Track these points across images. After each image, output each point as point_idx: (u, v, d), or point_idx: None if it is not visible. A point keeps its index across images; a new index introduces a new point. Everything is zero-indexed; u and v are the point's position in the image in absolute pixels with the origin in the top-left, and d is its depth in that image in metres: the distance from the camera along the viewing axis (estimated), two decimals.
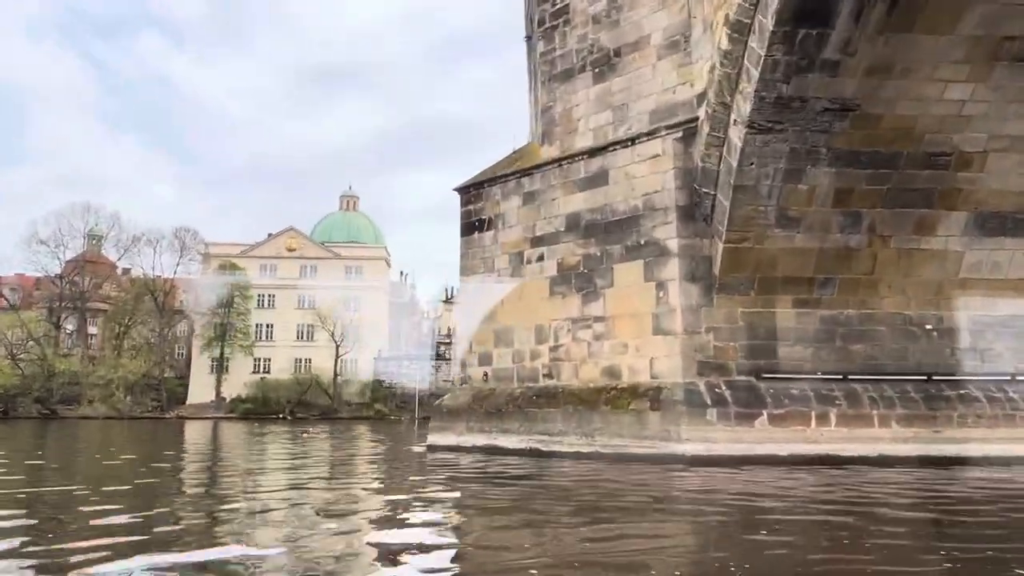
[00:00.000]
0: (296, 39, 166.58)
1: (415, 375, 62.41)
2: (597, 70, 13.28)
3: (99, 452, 16.16)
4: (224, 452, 15.89)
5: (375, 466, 12.29)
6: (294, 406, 58.22)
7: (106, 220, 61.60)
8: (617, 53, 13.01)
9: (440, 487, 8.57)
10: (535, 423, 12.64)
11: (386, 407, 61.05)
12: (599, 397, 11.97)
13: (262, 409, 56.99)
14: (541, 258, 13.52)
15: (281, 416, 55.92)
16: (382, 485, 8.99)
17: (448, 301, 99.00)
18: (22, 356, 56.14)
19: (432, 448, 14.20)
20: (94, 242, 63.66)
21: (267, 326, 63.94)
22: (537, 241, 13.65)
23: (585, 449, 11.76)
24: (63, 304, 60.14)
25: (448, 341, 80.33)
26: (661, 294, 11.71)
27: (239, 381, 60.74)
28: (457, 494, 7.70)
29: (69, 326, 63.25)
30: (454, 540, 5.31)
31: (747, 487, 8.24)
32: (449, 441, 13.89)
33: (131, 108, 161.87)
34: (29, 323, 56.31)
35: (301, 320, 63.34)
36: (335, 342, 60.28)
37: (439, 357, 66.86)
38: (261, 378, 60.63)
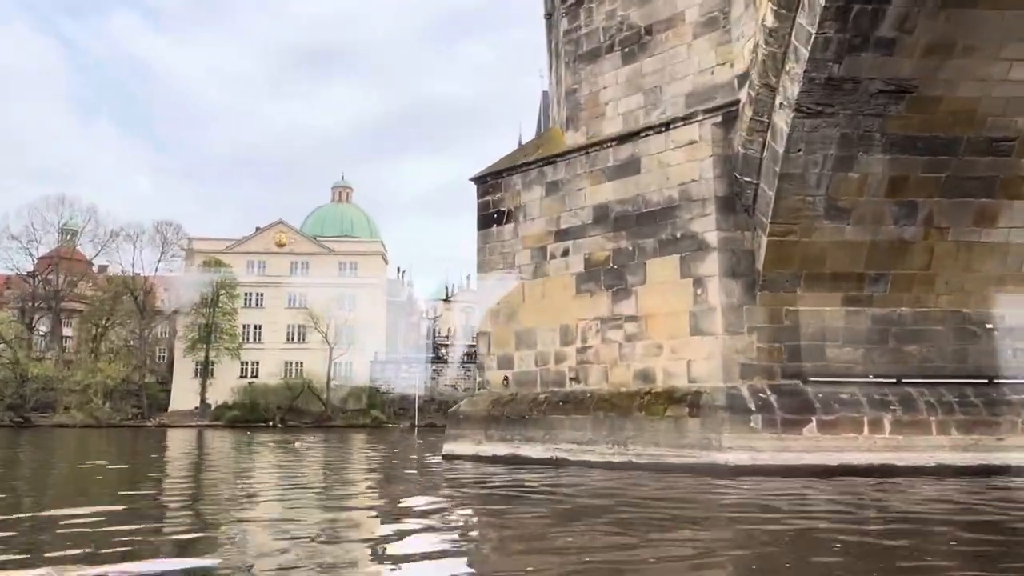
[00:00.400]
0: (279, 18, 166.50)
1: (414, 379, 62.49)
2: (627, 50, 13.26)
3: (72, 464, 16.21)
4: (210, 464, 15.84)
5: (388, 482, 12.23)
6: (285, 413, 58.26)
7: (82, 214, 61.71)
8: (648, 31, 12.98)
9: (468, 504, 8.56)
10: (561, 431, 12.65)
11: (383, 413, 61.14)
12: (632, 403, 11.97)
13: (250, 416, 57.01)
14: (566, 253, 13.51)
15: (271, 424, 56.01)
16: (396, 505, 8.76)
17: (448, 300, 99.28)
18: None
19: (448, 457, 14.22)
20: (68, 237, 63.75)
21: (255, 327, 63.96)
22: (562, 235, 13.64)
23: (617, 459, 11.77)
24: (36, 304, 60.24)
25: (448, 343, 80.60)
26: (699, 291, 11.70)
27: (225, 386, 60.77)
28: (493, 518, 7.53)
29: (42, 327, 63.37)
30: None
31: (800, 502, 8.22)
32: (467, 450, 13.91)
33: (103, 92, 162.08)
34: (0, 324, 56.39)
35: (292, 320, 63.36)
36: (329, 344, 60.28)
37: (439, 360, 67.00)
38: (249, 383, 60.67)
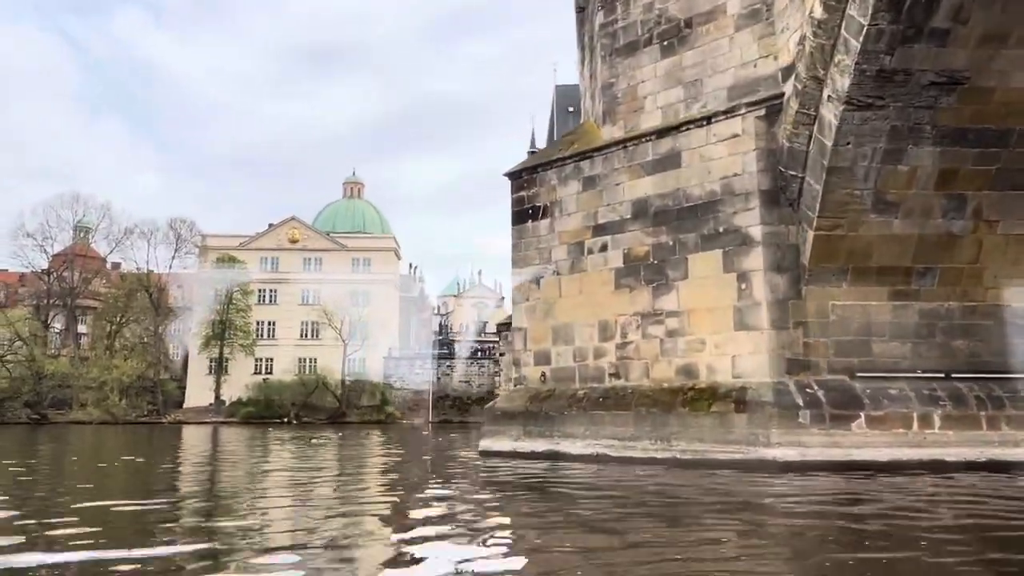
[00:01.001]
0: (281, 17, 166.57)
1: (427, 375, 62.55)
2: (665, 43, 13.18)
3: (93, 462, 16.27)
4: (230, 462, 15.73)
5: (444, 480, 12.17)
6: (299, 409, 58.42)
7: (96, 211, 61.97)
8: (688, 24, 12.89)
9: (525, 506, 8.53)
10: (602, 427, 12.61)
11: (397, 410, 61.25)
12: (675, 398, 11.92)
13: (265, 412, 57.19)
14: (604, 248, 13.46)
15: (285, 420, 56.15)
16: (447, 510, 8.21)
17: (460, 296, 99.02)
18: (8, 358, 56.65)
19: (485, 454, 14.21)
20: (83, 235, 64.06)
21: (269, 323, 64.19)
22: (599, 230, 13.58)
23: (660, 455, 11.72)
24: (51, 301, 60.54)
25: (460, 339, 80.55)
26: (743, 286, 11.64)
27: (239, 383, 61.01)
28: (556, 517, 7.45)
29: (56, 325, 63.76)
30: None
31: (864, 501, 8.16)
32: (504, 446, 13.88)
33: (108, 91, 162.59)
34: (16, 322, 56.73)
35: (305, 317, 63.53)
36: (343, 340, 60.42)
37: (451, 355, 66.99)
38: (263, 379, 60.88)
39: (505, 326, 42.69)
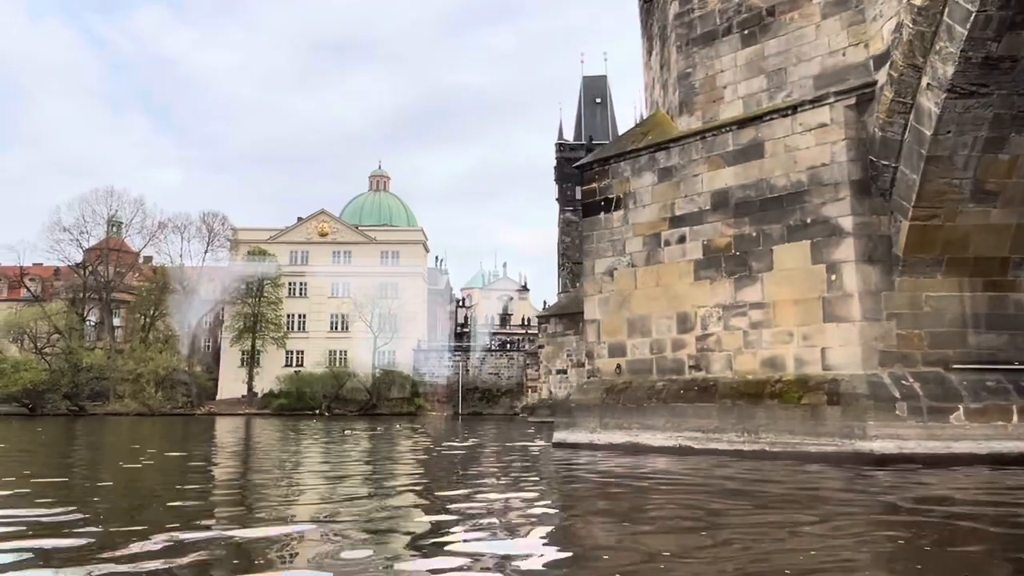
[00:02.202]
0: (300, 11, 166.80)
1: (456, 367, 62.75)
2: (746, 32, 13.02)
3: (145, 451, 16.41)
4: (274, 456, 15.51)
5: (497, 470, 12.04)
6: (330, 401, 58.89)
7: (130, 206, 62.57)
8: (771, 12, 12.73)
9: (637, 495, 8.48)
10: (684, 419, 12.55)
11: (427, 402, 61.56)
12: (762, 390, 11.83)
13: (297, 404, 57.71)
14: (682, 240, 13.36)
15: (317, 412, 56.61)
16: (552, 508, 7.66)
17: (485, 288, 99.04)
18: (46, 350, 57.50)
19: (559, 445, 14.20)
20: (114, 229, 64.74)
21: (299, 316, 64.67)
22: (677, 221, 13.48)
23: (747, 447, 11.65)
24: (87, 295, 61.30)
25: (487, 331, 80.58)
26: (833, 277, 11.50)
27: (271, 375, 61.63)
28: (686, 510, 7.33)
29: (91, 318, 64.57)
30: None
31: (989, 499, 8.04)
32: (579, 438, 13.87)
33: (131, 87, 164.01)
34: (53, 315, 57.53)
35: (335, 310, 63.96)
36: (373, 332, 60.73)
37: (480, 347, 67.12)
38: (295, 371, 61.39)
39: (544, 319, 42.74)
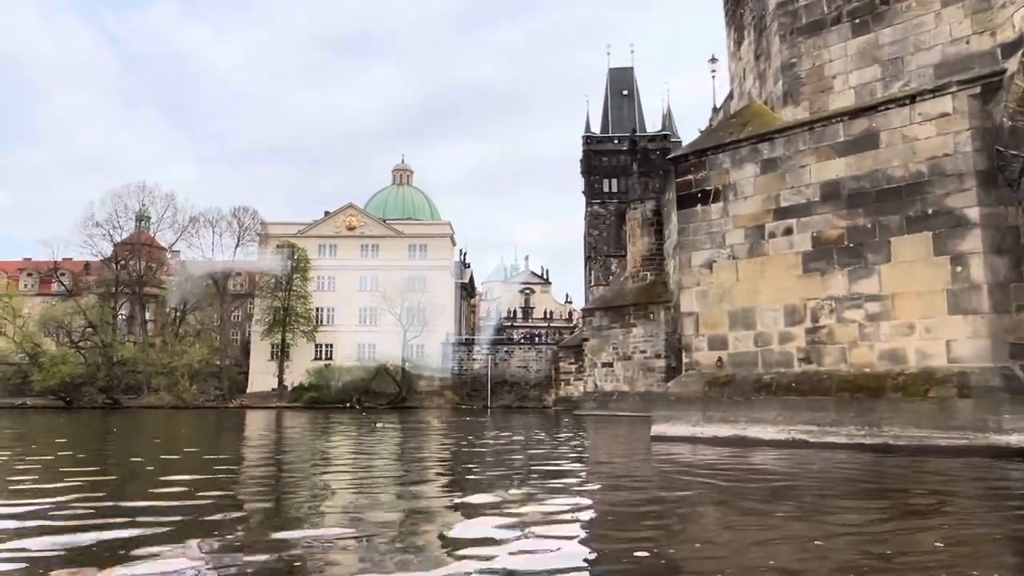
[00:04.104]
0: (313, 6, 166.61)
1: (484, 360, 62.73)
2: (858, 20, 12.80)
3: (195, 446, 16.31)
4: (313, 450, 14.91)
5: (629, 467, 11.77)
6: (361, 394, 58.89)
7: (161, 201, 62.70)
8: (885, 1, 12.50)
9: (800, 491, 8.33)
10: (797, 412, 12.40)
11: (456, 395, 61.54)
12: (884, 384, 11.66)
13: (327, 397, 57.72)
14: (789, 232, 13.18)
15: (348, 405, 56.59)
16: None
17: (507, 281, 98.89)
18: (81, 344, 57.76)
19: (659, 438, 14.07)
20: (143, 224, 64.90)
21: (328, 310, 64.71)
22: (782, 213, 13.29)
23: (868, 440, 11.49)
24: (120, 289, 61.53)
25: (513, 324, 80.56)
26: (958, 269, 11.31)
27: (300, 368, 61.67)
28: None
29: (122, 312, 64.82)
30: None
31: None
32: (681, 432, 13.74)
33: (144, 83, 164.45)
34: (87, 309, 57.77)
35: (364, 303, 63.92)
36: (402, 326, 60.71)
37: (509, 341, 67.10)
38: (325, 365, 61.45)
39: (589, 312, 42.55)
